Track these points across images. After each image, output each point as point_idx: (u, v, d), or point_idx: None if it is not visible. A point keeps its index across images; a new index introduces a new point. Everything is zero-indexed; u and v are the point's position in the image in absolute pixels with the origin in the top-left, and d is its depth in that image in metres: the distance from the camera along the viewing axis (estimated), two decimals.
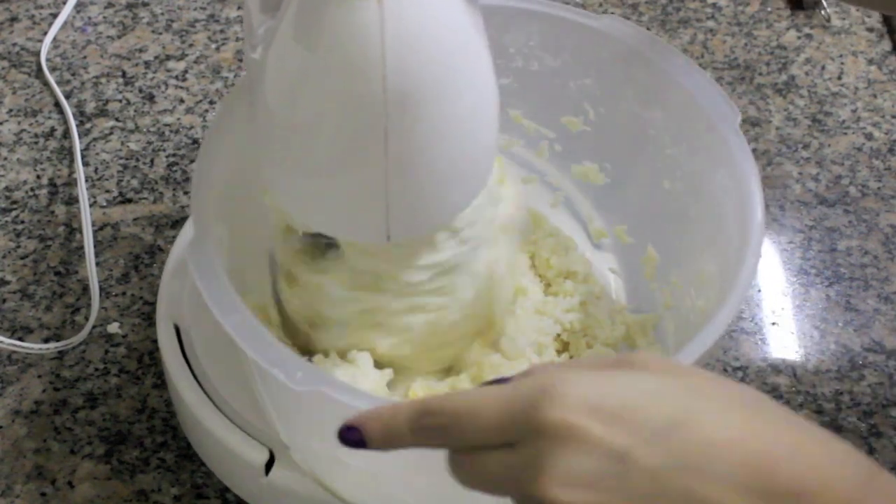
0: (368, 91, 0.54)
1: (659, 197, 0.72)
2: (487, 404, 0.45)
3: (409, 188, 0.57)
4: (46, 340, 0.76)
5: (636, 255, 0.74)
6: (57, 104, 0.91)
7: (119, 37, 0.97)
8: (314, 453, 0.65)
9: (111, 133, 0.89)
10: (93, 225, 0.82)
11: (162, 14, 0.98)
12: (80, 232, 0.81)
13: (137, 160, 0.88)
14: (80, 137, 0.88)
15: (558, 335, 0.71)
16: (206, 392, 0.69)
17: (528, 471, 0.44)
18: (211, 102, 0.91)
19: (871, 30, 0.98)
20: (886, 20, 0.99)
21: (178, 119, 0.90)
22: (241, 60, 0.95)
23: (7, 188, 0.86)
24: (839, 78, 0.95)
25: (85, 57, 0.95)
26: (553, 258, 0.74)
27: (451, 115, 0.56)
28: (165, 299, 0.73)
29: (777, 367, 0.77)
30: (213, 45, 0.96)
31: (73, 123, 0.89)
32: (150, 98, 0.92)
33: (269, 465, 0.66)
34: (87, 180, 0.85)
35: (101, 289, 0.79)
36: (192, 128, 0.90)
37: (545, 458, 0.43)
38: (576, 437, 0.43)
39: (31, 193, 0.85)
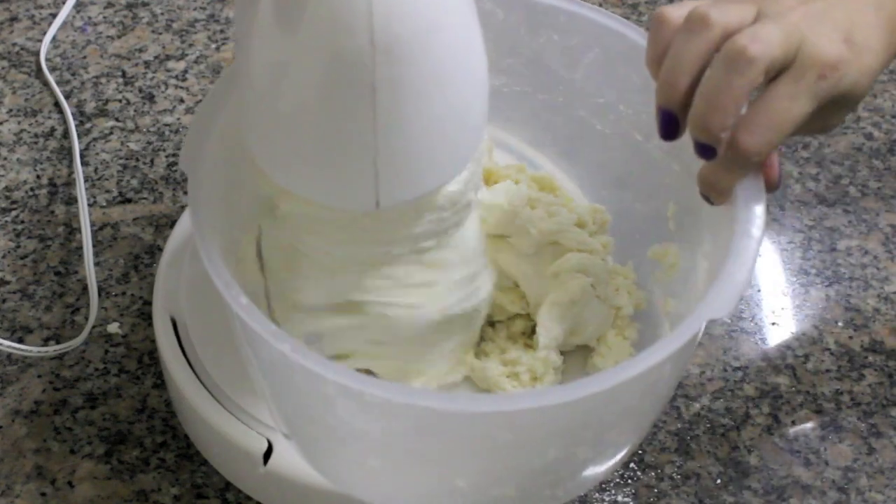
0: (355, 45, 0.53)
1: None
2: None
3: (398, 149, 0.56)
4: (46, 340, 0.76)
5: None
6: (57, 104, 0.91)
7: (119, 37, 0.97)
8: (310, 439, 0.64)
9: (111, 133, 0.89)
10: (92, 225, 0.82)
11: (162, 14, 0.98)
12: (80, 232, 0.81)
13: (137, 160, 0.88)
14: (79, 137, 0.88)
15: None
16: (204, 385, 0.69)
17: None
18: None
19: None
20: None
21: (178, 119, 0.90)
22: None
23: (7, 188, 0.86)
24: None
25: (85, 57, 0.95)
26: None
27: (439, 75, 0.56)
28: (162, 290, 0.73)
29: (777, 367, 0.77)
30: (213, 45, 0.96)
31: (72, 123, 0.89)
32: (150, 98, 0.92)
33: (267, 455, 0.66)
34: (86, 180, 0.85)
35: (100, 289, 0.79)
36: None
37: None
38: None
39: (30, 193, 0.85)
